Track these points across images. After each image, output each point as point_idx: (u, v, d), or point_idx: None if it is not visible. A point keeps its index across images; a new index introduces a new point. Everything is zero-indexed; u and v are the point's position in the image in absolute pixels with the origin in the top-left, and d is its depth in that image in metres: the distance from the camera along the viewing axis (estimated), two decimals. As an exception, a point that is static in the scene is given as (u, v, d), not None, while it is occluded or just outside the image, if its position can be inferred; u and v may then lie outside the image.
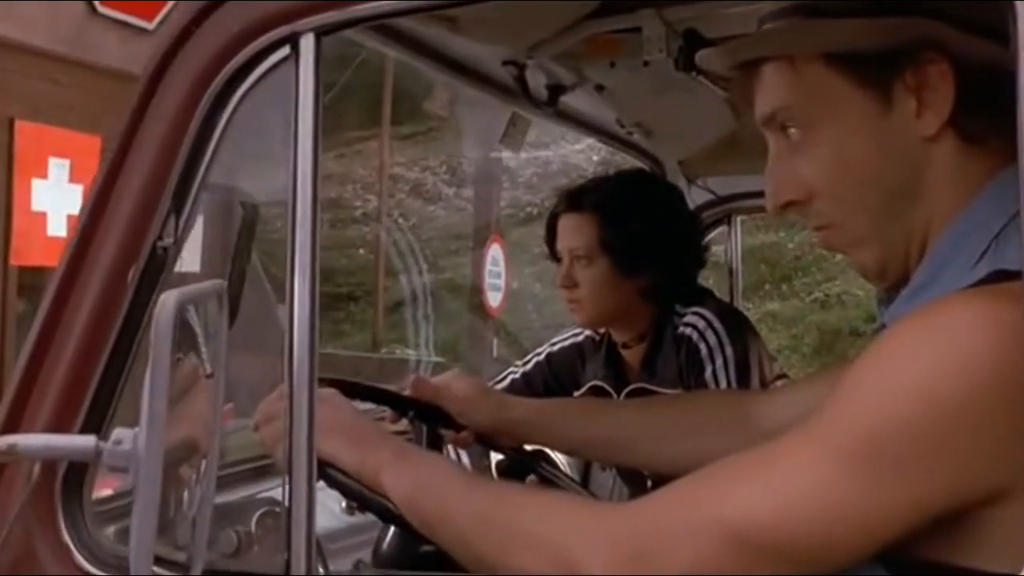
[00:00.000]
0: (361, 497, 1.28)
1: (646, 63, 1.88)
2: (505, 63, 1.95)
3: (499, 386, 2.52)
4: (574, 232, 2.30)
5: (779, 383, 2.35)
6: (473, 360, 11.56)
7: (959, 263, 1.04)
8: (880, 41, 1.06)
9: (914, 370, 0.94)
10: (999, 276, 0.98)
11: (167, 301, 0.94)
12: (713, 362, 2.19)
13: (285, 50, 1.15)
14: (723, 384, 2.16)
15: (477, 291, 9.77)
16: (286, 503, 1.14)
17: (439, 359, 15.49)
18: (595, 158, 15.94)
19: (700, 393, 2.03)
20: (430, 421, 1.65)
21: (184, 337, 1.14)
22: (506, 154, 17.82)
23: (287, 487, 1.13)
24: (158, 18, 6.08)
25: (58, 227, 5.76)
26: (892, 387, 0.94)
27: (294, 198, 1.12)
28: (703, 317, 2.24)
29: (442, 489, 1.20)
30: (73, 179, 5.79)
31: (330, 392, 1.38)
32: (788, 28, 1.13)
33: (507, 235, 10.97)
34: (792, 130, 1.12)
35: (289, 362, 1.12)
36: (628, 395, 2.32)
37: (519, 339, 11.54)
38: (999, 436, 0.91)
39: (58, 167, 5.78)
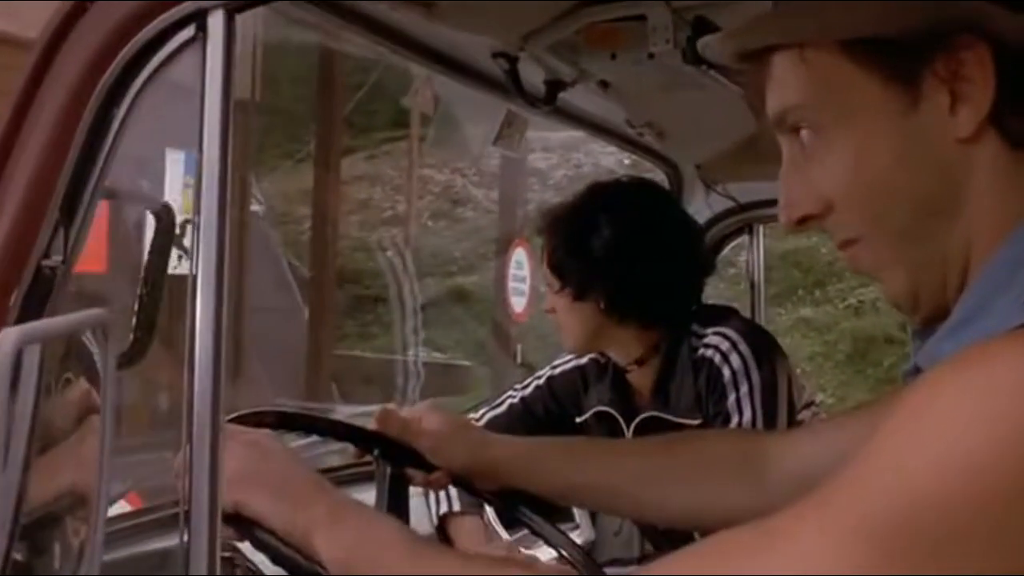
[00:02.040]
0: (291, 563, 1.09)
1: (651, 55, 1.68)
2: (495, 55, 1.74)
3: (496, 411, 2.33)
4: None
5: (807, 412, 2.15)
6: (498, 365, 11.41)
7: (1010, 295, 0.84)
8: (905, 24, 0.88)
9: (949, 432, 0.75)
10: None
11: (3, 341, 0.74)
12: (737, 389, 1.98)
13: (191, 30, 0.96)
14: (747, 413, 1.95)
15: (502, 295, 9.61)
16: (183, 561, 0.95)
17: (466, 363, 15.38)
18: (626, 161, 15.73)
19: (708, 434, 1.82)
20: (398, 459, 1.46)
21: (84, 366, 0.96)
22: (536, 155, 17.74)
23: (184, 542, 0.94)
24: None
25: (65, 230, 5.53)
26: (921, 453, 0.75)
27: (198, 203, 0.92)
28: (727, 338, 2.03)
29: (382, 554, 1.04)
30: (80, 179, 5.62)
31: (261, 435, 1.19)
32: (797, 11, 0.93)
33: (535, 238, 10.80)
34: (805, 132, 0.94)
35: (189, 395, 0.92)
36: (638, 425, 2.13)
37: (545, 344, 11.37)
38: None
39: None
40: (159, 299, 1.08)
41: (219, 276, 0.92)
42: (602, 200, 2.11)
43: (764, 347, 2.03)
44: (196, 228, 0.93)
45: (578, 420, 2.25)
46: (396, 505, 1.41)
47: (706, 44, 1.12)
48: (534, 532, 1.52)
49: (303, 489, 1.11)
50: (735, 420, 1.95)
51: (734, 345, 2.01)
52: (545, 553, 2.43)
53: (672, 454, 1.48)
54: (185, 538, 0.93)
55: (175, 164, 7.03)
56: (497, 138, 2.04)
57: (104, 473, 0.92)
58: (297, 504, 1.09)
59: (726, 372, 1.99)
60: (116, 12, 0.97)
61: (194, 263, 0.92)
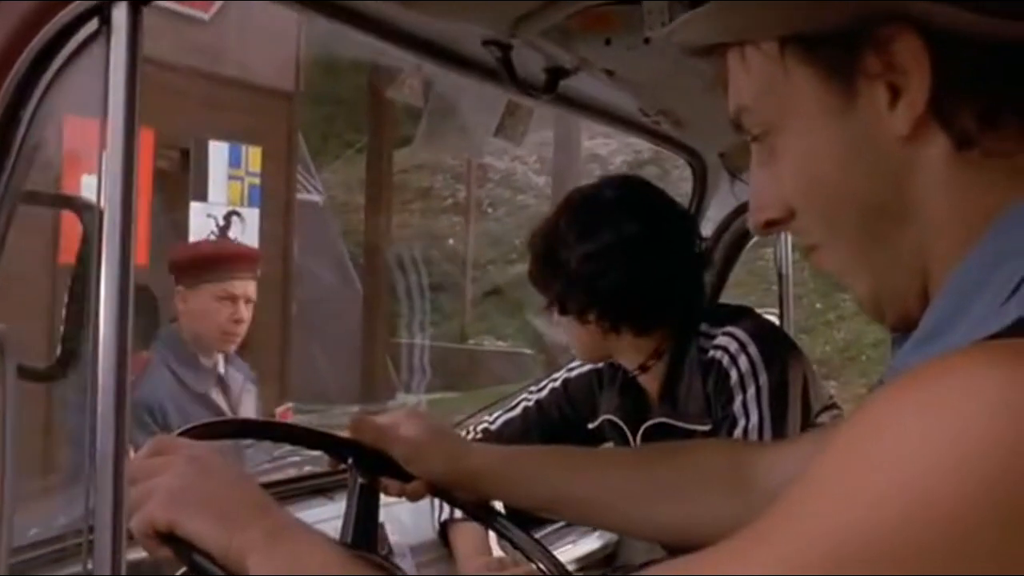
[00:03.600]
0: None
1: (647, 40, 1.60)
2: (485, 43, 1.66)
3: (510, 414, 2.25)
4: None
5: (827, 415, 2.05)
6: (554, 352, 11.35)
7: (983, 302, 0.76)
8: (831, 18, 0.81)
9: (895, 457, 0.66)
10: None
11: None
12: (744, 391, 1.88)
13: (94, 23, 0.90)
14: (754, 417, 1.85)
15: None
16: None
17: (527, 350, 15.35)
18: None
19: (699, 445, 1.74)
20: (374, 469, 1.40)
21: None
22: (595, 141, 17.63)
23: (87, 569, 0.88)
24: (214, 9, 5.89)
25: (109, 223, 5.51)
26: (863, 480, 0.67)
27: (99, 203, 0.86)
28: (736, 339, 1.93)
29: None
30: (124, 173, 5.62)
31: (205, 450, 1.12)
32: (726, 9, 0.87)
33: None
34: (757, 134, 0.88)
35: (92, 417, 0.86)
36: (646, 431, 2.04)
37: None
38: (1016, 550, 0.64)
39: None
40: (86, 300, 1.02)
41: (124, 281, 0.85)
42: (574, 212, 2.01)
43: (776, 348, 1.93)
44: (98, 235, 0.86)
45: (590, 426, 2.17)
46: (366, 517, 1.35)
47: (666, 34, 1.04)
48: (514, 545, 1.45)
49: (241, 510, 1.05)
50: (741, 423, 1.86)
51: (743, 346, 1.91)
52: (563, 555, 2.37)
53: (660, 467, 1.40)
54: (89, 566, 0.87)
55: (219, 155, 7.05)
56: (498, 129, 1.96)
57: (7, 495, 0.87)
58: (234, 526, 1.03)
59: (733, 374, 1.89)
60: (19, 8, 0.91)
61: (96, 268, 0.86)
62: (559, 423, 2.21)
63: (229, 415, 3.45)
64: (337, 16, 1.53)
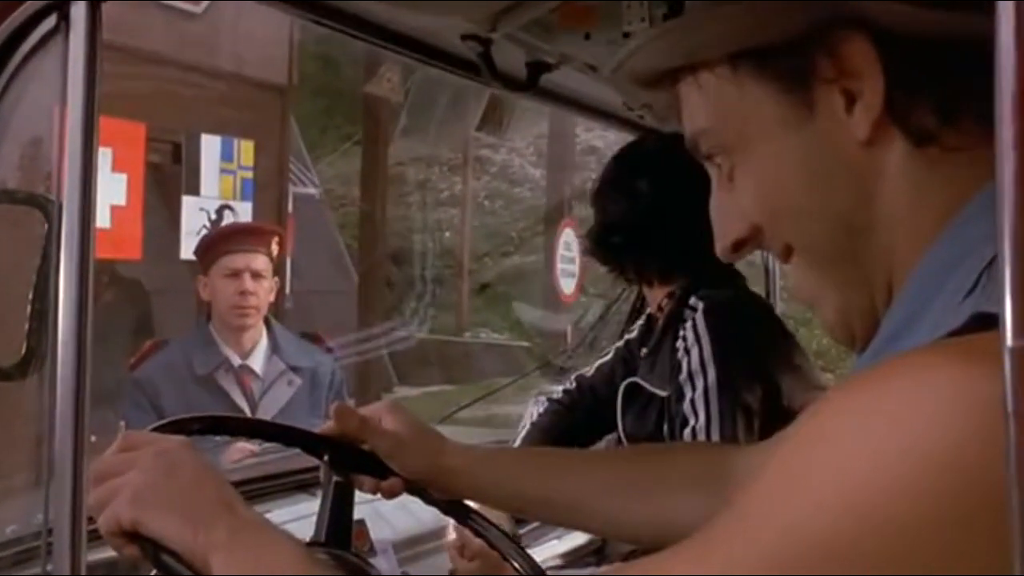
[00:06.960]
0: None
1: (626, 35, 1.59)
2: (464, 38, 1.66)
3: (604, 359, 2.34)
4: None
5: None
6: (550, 345, 11.37)
7: (942, 301, 0.75)
8: (781, 30, 0.81)
9: (846, 458, 0.65)
10: (986, 322, 0.68)
11: None
12: (693, 388, 1.87)
13: (53, 19, 0.89)
14: (701, 417, 1.84)
15: (551, 276, 9.51)
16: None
17: (524, 343, 15.35)
18: (686, 138, 15.46)
19: (674, 446, 1.72)
20: (349, 466, 1.38)
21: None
22: (592, 134, 17.61)
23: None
24: (205, 2, 5.86)
25: (101, 218, 5.44)
26: (813, 482, 0.66)
27: (59, 201, 0.86)
28: (695, 330, 1.91)
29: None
30: (116, 168, 5.60)
31: (174, 445, 1.11)
32: (673, 32, 0.86)
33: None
34: (718, 158, 0.88)
35: (51, 415, 0.85)
36: (625, 390, 2.07)
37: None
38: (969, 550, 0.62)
39: (100, 156, 5.58)
40: (48, 298, 1.01)
41: (83, 278, 0.85)
42: (613, 175, 2.09)
43: (729, 344, 1.90)
44: (57, 231, 0.86)
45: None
46: (340, 514, 1.34)
47: (612, 69, 1.03)
48: (490, 543, 1.44)
49: (207, 508, 1.03)
50: (691, 423, 1.85)
51: (697, 339, 1.89)
52: (550, 550, 2.37)
53: (637, 468, 1.40)
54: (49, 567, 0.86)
55: (211, 148, 7.03)
56: (481, 123, 1.96)
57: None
58: (198, 524, 1.01)
59: (684, 368, 1.88)
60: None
61: (55, 264, 0.85)
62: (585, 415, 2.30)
63: (240, 401, 3.41)
64: (315, 12, 1.52)
